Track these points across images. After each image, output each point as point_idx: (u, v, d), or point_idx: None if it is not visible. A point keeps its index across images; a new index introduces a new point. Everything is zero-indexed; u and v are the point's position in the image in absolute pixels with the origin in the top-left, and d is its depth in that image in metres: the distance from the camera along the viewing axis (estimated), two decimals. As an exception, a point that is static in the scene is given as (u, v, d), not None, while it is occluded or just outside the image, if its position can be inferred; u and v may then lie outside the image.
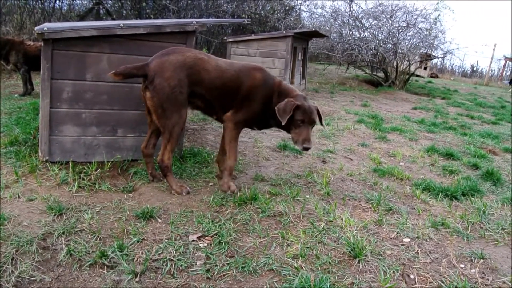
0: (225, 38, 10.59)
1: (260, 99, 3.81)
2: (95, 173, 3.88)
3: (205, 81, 3.66)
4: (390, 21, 14.71)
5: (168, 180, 3.78)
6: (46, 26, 3.74)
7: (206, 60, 3.73)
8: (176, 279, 2.55)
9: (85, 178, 3.80)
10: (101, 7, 14.67)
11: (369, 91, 14.14)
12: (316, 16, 17.99)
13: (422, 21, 15.03)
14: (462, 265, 2.92)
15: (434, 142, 6.68)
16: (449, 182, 4.67)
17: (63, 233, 2.91)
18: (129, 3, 14.37)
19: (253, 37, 10.18)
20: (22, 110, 6.22)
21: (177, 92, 3.54)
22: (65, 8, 14.74)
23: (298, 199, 3.77)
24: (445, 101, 13.43)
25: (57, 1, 13.73)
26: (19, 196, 3.39)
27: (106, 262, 2.63)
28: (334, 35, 15.94)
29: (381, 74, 16.49)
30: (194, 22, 4.10)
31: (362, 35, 15.29)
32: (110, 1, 15.28)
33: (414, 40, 15.39)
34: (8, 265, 2.52)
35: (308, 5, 20.20)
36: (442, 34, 15.77)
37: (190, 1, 14.50)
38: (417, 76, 21.32)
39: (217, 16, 14.56)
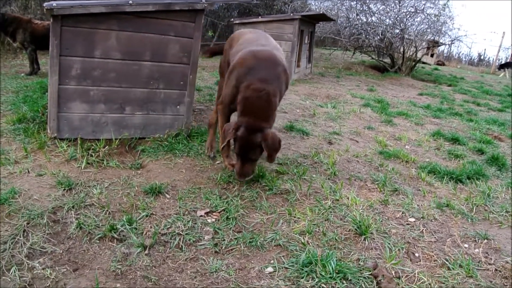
0: (232, 20, 10.54)
1: (233, 84, 3.46)
2: (103, 150, 3.91)
3: (228, 54, 3.91)
4: (398, 6, 14.58)
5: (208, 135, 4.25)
6: (55, 2, 3.74)
7: (243, 33, 4.08)
8: (185, 253, 2.59)
9: (93, 154, 3.83)
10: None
11: (375, 76, 14.09)
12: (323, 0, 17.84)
13: (430, 7, 14.88)
14: (466, 245, 2.95)
15: (440, 127, 6.68)
16: (455, 166, 4.68)
17: (73, 207, 2.95)
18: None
19: (260, 19, 10.09)
20: (29, 88, 6.24)
21: (225, 64, 3.98)
22: (71, -12, 14.63)
23: (304, 178, 3.80)
24: (451, 88, 13.37)
25: (63, -18, 13.62)
26: (28, 171, 3.43)
27: (115, 236, 2.68)
28: (341, 19, 15.84)
29: (387, 60, 16.40)
30: (203, 0, 4.09)
31: (369, 19, 15.17)
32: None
33: (422, 26, 15.26)
34: (20, 237, 2.56)
35: (315, -11, 20.03)
36: (451, 20, 15.64)
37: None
38: (424, 63, 21.19)
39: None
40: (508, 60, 25.44)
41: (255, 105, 3.28)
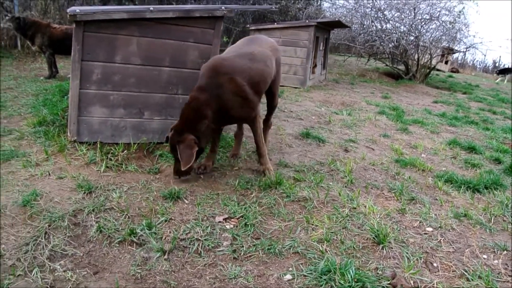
0: (248, 26, 10.58)
1: None
2: (121, 154, 3.96)
3: None
4: (413, 13, 14.54)
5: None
6: (78, 8, 3.80)
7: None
8: (203, 258, 2.62)
9: (112, 158, 3.88)
10: (123, -8, 14.71)
11: (390, 83, 14.04)
12: (338, 6, 17.86)
13: (445, 14, 14.81)
14: (485, 256, 2.94)
15: (456, 136, 6.64)
16: (471, 175, 4.65)
17: (93, 210, 2.99)
18: (151, -12, 14.39)
19: (275, 25, 10.13)
20: (49, 92, 6.32)
21: None
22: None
23: (321, 186, 3.80)
24: (467, 96, 13.29)
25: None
26: (49, 174, 3.49)
27: (135, 240, 2.71)
28: (355, 26, 15.83)
29: (401, 67, 16.34)
30: (223, 7, 4.13)
31: (384, 26, 15.15)
32: (132, -13, 15.29)
33: (437, 33, 15.19)
34: (42, 239, 2.61)
35: (329, -5, 20.05)
36: (466, 27, 15.51)
37: (211, -12, 14.50)
38: (438, 70, 21.06)
39: (238, 4, 14.53)
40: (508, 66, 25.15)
41: (185, 111, 3.52)
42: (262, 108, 4.20)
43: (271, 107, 4.54)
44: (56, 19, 11.24)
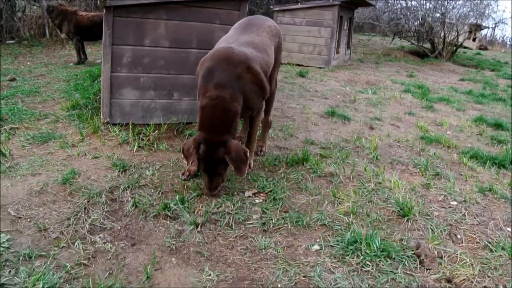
0: (272, 7, 10.60)
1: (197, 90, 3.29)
2: (153, 134, 4.09)
3: None
4: (439, -11, 14.29)
5: None
6: (107, -6, 3.92)
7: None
8: (234, 231, 2.74)
9: (144, 138, 4.02)
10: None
11: (415, 62, 13.89)
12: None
13: (473, -12, 14.51)
14: (509, 229, 2.98)
15: (482, 113, 6.60)
16: (497, 151, 4.65)
17: (128, 187, 3.14)
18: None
19: (299, 6, 10.13)
20: (79, 77, 6.50)
21: None
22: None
23: (347, 162, 3.88)
24: (495, 73, 13.05)
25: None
26: (85, 154, 3.65)
27: (169, 214, 2.85)
28: (380, 4, 15.63)
29: (427, 45, 16.12)
30: (248, -11, 4.20)
31: (409, 4, 14.93)
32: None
33: (464, 9, 14.89)
34: (82, 214, 2.76)
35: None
36: (495, 1, 15.20)
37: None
38: (465, 47, 20.66)
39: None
40: None
41: (211, 116, 3.00)
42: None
43: (270, 94, 3.72)
44: (82, 7, 11.45)
